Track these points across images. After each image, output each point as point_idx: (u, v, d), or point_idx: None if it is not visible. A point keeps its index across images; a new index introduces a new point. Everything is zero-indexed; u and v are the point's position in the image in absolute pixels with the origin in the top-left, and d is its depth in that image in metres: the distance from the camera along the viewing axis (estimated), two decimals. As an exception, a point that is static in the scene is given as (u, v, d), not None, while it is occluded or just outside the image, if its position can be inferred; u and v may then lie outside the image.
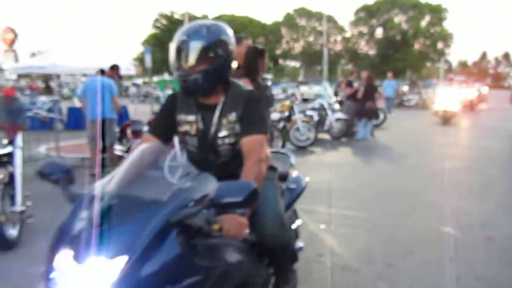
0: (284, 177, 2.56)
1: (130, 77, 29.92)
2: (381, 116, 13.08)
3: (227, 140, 2.01)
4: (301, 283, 3.18)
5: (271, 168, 2.23)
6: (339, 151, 9.46)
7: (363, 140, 10.73)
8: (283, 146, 8.16)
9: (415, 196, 5.58)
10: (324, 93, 11.84)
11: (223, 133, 2.00)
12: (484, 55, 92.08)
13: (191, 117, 2.04)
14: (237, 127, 2.00)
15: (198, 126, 2.03)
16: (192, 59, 1.88)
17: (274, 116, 9.42)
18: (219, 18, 54.51)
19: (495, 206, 5.14)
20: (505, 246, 3.89)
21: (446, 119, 14.11)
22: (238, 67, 3.56)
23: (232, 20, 52.78)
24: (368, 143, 10.49)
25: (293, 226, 2.77)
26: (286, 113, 9.68)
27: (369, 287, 3.14)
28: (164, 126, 2.15)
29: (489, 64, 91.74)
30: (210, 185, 1.68)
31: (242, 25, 52.77)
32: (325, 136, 10.92)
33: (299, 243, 2.81)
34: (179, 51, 1.90)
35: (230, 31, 2.01)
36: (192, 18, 52.38)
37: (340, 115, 10.80)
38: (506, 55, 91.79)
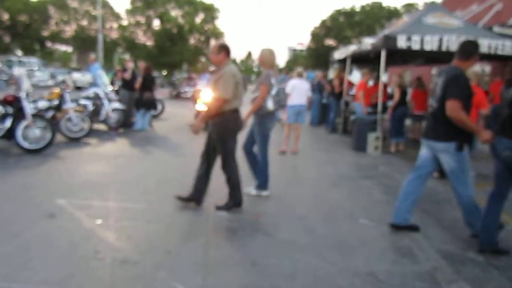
0: None
1: None
2: (159, 107, 13.24)
3: None
4: (77, 285, 2.95)
5: None
6: (117, 142, 9.15)
7: (141, 131, 10.64)
8: (53, 137, 7.35)
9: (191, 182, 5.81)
10: (100, 81, 11.24)
11: None
12: (249, 54, 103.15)
13: None
14: None
15: None
16: None
17: (42, 104, 8.46)
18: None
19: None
20: (270, 222, 4.42)
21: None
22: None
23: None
24: (146, 133, 10.46)
25: None
26: (56, 102, 8.79)
27: (148, 278, 3.12)
28: None
29: (253, 63, 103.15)
30: None
31: (-1, -1, 45.44)
32: (102, 126, 10.41)
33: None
34: None
35: None
36: None
37: (117, 105, 10.45)
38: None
